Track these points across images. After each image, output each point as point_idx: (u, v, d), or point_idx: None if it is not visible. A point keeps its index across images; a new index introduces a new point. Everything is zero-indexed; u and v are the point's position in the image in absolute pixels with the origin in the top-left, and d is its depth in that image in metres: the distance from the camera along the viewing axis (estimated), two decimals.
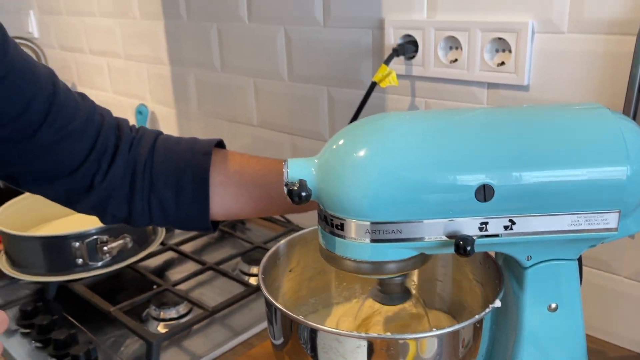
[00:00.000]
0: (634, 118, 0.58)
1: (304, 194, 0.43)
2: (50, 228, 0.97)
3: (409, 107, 0.82)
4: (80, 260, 0.82)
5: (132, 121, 1.01)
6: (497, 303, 0.45)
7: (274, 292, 0.48)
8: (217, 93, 1.14)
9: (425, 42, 0.76)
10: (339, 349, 0.43)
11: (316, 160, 0.44)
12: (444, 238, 0.42)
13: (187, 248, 0.97)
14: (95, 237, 0.82)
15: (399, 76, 0.78)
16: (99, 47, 1.43)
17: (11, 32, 0.55)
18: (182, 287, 0.84)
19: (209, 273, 0.88)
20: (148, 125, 1.34)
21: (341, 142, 0.44)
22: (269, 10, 0.96)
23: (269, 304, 0.48)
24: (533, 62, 0.67)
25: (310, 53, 0.92)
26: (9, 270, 0.84)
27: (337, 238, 0.44)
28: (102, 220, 0.62)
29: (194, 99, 1.21)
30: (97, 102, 0.61)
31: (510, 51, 0.68)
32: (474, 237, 0.42)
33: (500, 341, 0.50)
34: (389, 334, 0.50)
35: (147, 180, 0.59)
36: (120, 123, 0.61)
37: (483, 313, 0.44)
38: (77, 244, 0.81)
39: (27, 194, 0.97)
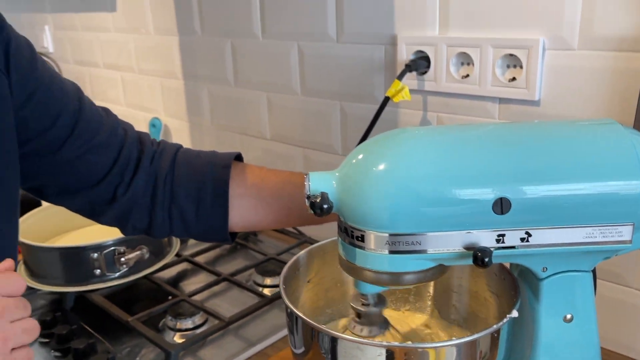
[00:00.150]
0: None
1: (325, 206, 0.44)
2: (68, 239, 0.99)
3: (421, 121, 0.83)
4: (98, 271, 0.83)
5: None
6: (515, 313, 0.46)
7: (293, 302, 0.49)
8: (230, 107, 1.16)
9: (438, 58, 0.77)
10: (360, 357, 0.44)
11: (337, 174, 0.46)
12: (462, 250, 0.44)
13: (200, 259, 0.99)
14: (112, 248, 0.83)
15: (411, 91, 0.80)
16: (113, 62, 1.46)
17: None
18: (197, 297, 0.85)
19: (223, 284, 0.89)
20: (161, 138, 1.36)
21: (361, 156, 0.46)
22: (282, 26, 0.98)
23: (290, 314, 0.49)
24: (544, 77, 0.69)
25: (323, 68, 0.94)
26: (27, 280, 0.85)
27: (357, 249, 0.45)
28: (123, 231, 0.63)
29: (207, 113, 1.23)
30: None
31: (521, 67, 0.70)
32: (492, 249, 0.43)
33: (516, 351, 0.50)
34: (409, 342, 0.51)
35: (168, 192, 0.61)
36: (142, 137, 0.63)
37: (501, 323, 0.45)
38: (96, 254, 0.82)
39: (45, 206, 0.99)
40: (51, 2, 1.60)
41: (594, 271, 0.48)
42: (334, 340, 0.45)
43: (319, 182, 0.45)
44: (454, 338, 0.45)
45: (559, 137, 0.44)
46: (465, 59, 0.76)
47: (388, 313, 0.61)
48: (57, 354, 0.74)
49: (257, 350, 0.74)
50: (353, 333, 0.51)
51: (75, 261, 0.83)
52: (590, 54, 0.64)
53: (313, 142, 1.01)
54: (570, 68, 0.66)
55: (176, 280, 0.94)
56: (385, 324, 0.50)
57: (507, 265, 0.53)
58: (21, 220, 0.95)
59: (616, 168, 0.42)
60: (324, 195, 0.44)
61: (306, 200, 0.45)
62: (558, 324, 0.47)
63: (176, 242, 0.97)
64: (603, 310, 0.69)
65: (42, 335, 0.78)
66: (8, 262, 0.45)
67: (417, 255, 0.44)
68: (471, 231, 0.43)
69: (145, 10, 1.27)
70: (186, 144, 1.29)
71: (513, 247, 0.44)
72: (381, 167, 0.44)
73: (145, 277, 0.88)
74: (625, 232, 0.43)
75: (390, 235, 0.44)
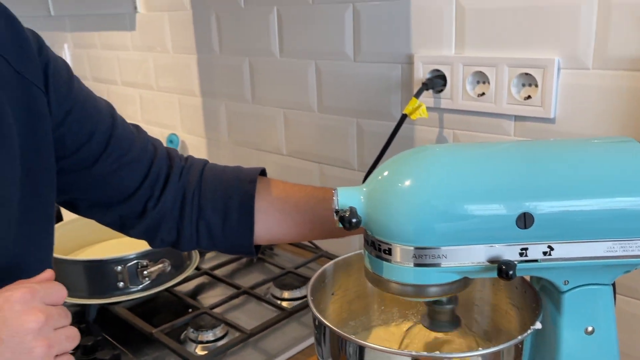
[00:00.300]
0: None
1: (354, 220, 0.46)
2: (90, 252, 1.01)
3: (437, 138, 0.85)
4: (121, 284, 0.85)
5: None
6: (538, 325, 0.47)
7: (320, 314, 0.51)
8: (247, 123, 1.19)
9: (454, 76, 0.79)
10: None
11: (364, 189, 0.48)
12: (486, 263, 0.45)
13: (219, 272, 1.00)
14: (136, 261, 0.85)
15: (427, 108, 0.82)
16: (131, 79, 1.49)
17: None
18: (217, 310, 0.86)
19: (242, 297, 0.91)
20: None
21: (386, 173, 0.47)
22: (300, 45, 1.01)
23: (318, 325, 0.50)
24: (559, 96, 0.71)
25: (341, 86, 0.97)
26: None
27: (383, 262, 0.47)
28: (151, 244, 0.65)
29: (224, 129, 1.25)
30: None
31: (536, 85, 0.72)
32: (516, 262, 0.44)
33: None
34: (437, 352, 0.52)
35: (195, 206, 0.63)
36: (171, 152, 0.65)
37: (525, 334, 0.46)
38: (119, 267, 0.84)
39: (67, 220, 1.01)
40: (71, 21, 1.65)
41: (613, 284, 0.49)
42: (361, 350, 0.47)
43: (346, 197, 0.47)
44: (480, 349, 0.46)
45: (579, 154, 0.46)
46: (481, 78, 0.78)
47: (407, 326, 0.62)
48: None
49: None
50: (425, 327, 0.52)
51: (99, 274, 0.85)
52: (605, 74, 0.66)
53: (329, 158, 1.03)
54: (585, 87, 0.68)
55: (195, 293, 0.96)
56: (456, 321, 0.51)
57: (528, 278, 0.55)
58: None
59: (636, 184, 0.43)
60: (352, 210, 0.46)
61: (334, 214, 0.47)
62: (580, 336, 0.49)
63: (196, 256, 0.99)
64: (622, 325, 0.70)
65: None
66: (49, 273, 0.47)
67: (442, 268, 0.46)
68: (495, 245, 0.45)
69: (164, 30, 1.31)
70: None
71: (535, 261, 0.45)
72: (407, 183, 0.45)
73: (166, 289, 0.90)
74: None
75: (416, 248, 0.45)
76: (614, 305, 0.49)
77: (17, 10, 0.55)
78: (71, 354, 0.45)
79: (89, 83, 1.68)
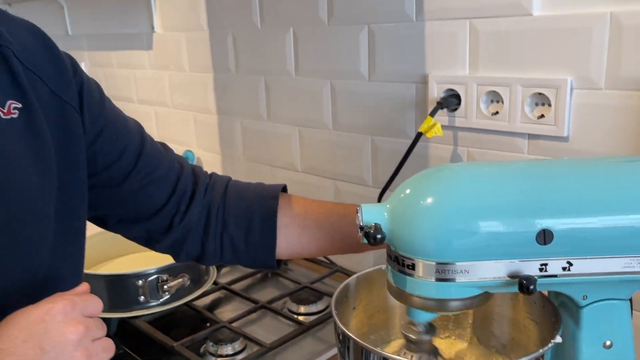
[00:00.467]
0: None
1: (379, 236, 0.47)
2: (110, 267, 1.03)
3: (451, 155, 0.87)
4: (142, 298, 0.87)
5: None
6: (558, 339, 0.48)
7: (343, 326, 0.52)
8: (262, 140, 1.21)
9: (468, 96, 0.82)
10: None
11: (388, 206, 0.49)
12: (507, 278, 0.47)
13: (236, 287, 1.02)
14: (156, 275, 0.87)
15: (442, 127, 0.84)
16: (147, 97, 1.53)
17: None
18: (235, 324, 0.88)
19: (258, 311, 0.92)
20: None
21: (408, 191, 0.49)
22: (315, 65, 1.04)
23: (343, 338, 0.52)
24: (572, 115, 0.73)
25: (355, 104, 0.99)
26: None
27: (406, 277, 0.49)
28: (176, 258, 0.67)
29: (239, 146, 1.28)
30: None
31: (549, 105, 0.74)
32: (536, 277, 0.46)
33: None
34: None
35: (220, 221, 0.65)
36: (196, 170, 0.67)
37: (546, 347, 0.47)
38: (140, 282, 0.86)
39: (88, 235, 1.03)
40: (88, 41, 1.69)
41: (630, 299, 0.51)
42: None
43: (370, 214, 0.49)
44: None
45: (596, 173, 0.47)
46: (494, 97, 0.80)
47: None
48: None
49: None
50: (404, 359, 0.53)
51: (120, 288, 0.87)
52: (617, 94, 0.68)
53: (344, 174, 1.05)
54: (598, 106, 0.70)
55: (212, 307, 0.97)
56: (434, 352, 0.53)
57: (546, 293, 0.56)
58: None
59: None
60: (377, 226, 0.48)
61: (359, 230, 0.49)
62: (598, 350, 0.50)
63: (213, 271, 1.00)
64: (636, 339, 0.71)
65: None
66: (85, 286, 0.49)
67: (463, 283, 0.47)
68: (515, 260, 0.46)
69: (181, 49, 1.34)
70: None
71: (555, 276, 0.46)
72: (429, 201, 0.47)
73: (184, 304, 0.91)
74: None
75: (438, 263, 0.47)
76: (631, 320, 0.51)
77: None
78: None
79: None
